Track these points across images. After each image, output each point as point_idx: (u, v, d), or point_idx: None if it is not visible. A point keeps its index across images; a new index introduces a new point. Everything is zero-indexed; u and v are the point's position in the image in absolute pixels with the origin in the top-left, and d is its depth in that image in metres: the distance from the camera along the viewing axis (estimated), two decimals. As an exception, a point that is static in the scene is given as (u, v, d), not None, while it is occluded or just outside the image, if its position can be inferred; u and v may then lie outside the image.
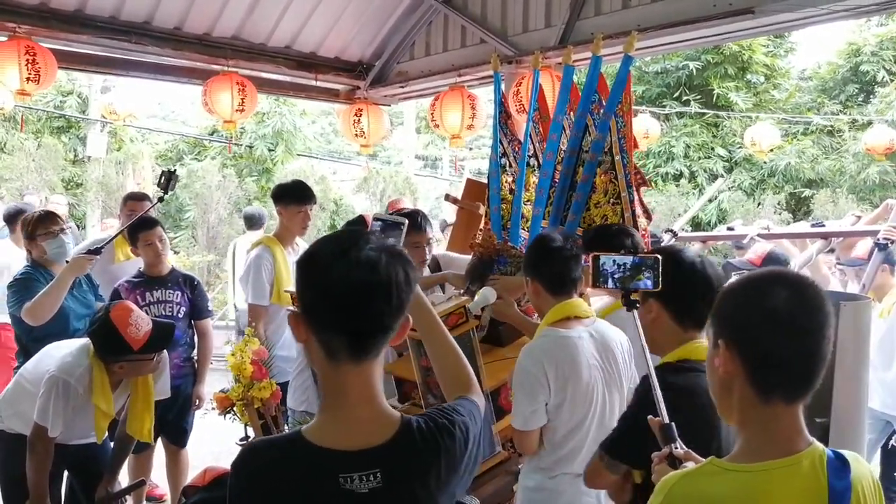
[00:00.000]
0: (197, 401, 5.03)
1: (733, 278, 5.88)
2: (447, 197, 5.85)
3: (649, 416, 2.23)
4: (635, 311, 2.47)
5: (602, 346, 3.02)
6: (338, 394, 1.68)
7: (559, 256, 3.05)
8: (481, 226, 4.72)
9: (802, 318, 1.59)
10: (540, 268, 3.09)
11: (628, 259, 2.44)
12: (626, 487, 2.47)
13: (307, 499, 1.61)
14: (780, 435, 1.61)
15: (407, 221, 2.38)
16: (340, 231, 1.87)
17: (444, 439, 1.72)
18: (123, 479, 4.48)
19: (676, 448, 2.08)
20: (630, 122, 4.06)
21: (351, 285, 1.61)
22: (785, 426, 1.62)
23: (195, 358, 5.09)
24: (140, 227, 4.79)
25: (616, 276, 2.42)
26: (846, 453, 1.63)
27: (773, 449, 1.59)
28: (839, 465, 1.59)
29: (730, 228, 6.82)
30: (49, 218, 4.63)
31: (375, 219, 2.51)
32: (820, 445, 1.62)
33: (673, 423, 2.17)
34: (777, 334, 1.59)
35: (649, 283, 2.47)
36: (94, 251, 4.54)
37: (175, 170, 4.92)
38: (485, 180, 4.71)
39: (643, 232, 3.97)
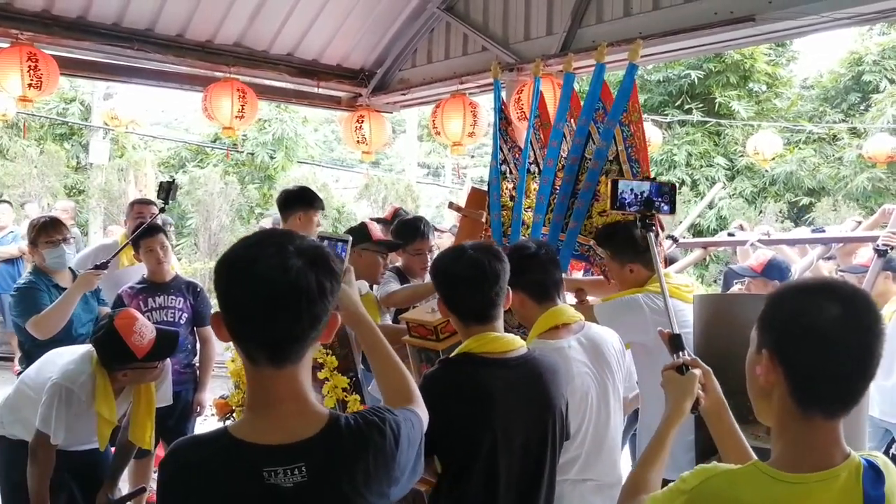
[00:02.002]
0: (198, 407, 5.03)
1: (736, 286, 5.85)
2: (451, 205, 5.85)
3: (659, 329, 2.35)
4: (651, 234, 2.50)
5: (593, 352, 2.98)
6: (262, 393, 1.65)
7: (536, 263, 3.01)
8: (483, 233, 4.72)
9: (852, 338, 1.56)
10: (519, 277, 2.99)
11: (645, 186, 2.48)
12: (429, 472, 2.49)
13: (232, 494, 1.57)
14: (819, 448, 1.59)
15: (351, 238, 2.34)
16: (260, 233, 1.75)
17: (373, 435, 1.68)
18: (124, 485, 4.47)
19: (684, 356, 2.19)
20: (640, 132, 4.04)
21: (258, 296, 1.57)
22: (823, 439, 1.60)
23: (196, 364, 5.09)
24: (142, 233, 4.80)
25: (633, 203, 2.46)
26: (879, 461, 1.62)
27: (811, 462, 1.58)
28: (874, 475, 1.58)
29: (730, 234, 6.81)
30: (53, 226, 4.62)
31: (319, 237, 2.45)
32: (857, 456, 1.60)
33: (681, 334, 2.30)
34: (824, 352, 1.56)
35: (666, 208, 2.51)
36: (101, 266, 4.53)
37: (174, 179, 4.93)
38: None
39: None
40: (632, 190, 2.48)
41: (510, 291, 2.59)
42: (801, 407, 1.60)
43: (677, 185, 16.67)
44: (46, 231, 4.56)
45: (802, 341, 1.58)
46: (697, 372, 2.12)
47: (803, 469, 1.57)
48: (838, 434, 1.61)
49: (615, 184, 2.47)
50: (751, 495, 1.57)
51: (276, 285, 1.56)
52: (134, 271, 5.13)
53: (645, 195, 2.51)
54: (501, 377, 2.46)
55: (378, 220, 5.94)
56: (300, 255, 1.60)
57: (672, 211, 2.46)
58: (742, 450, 2.01)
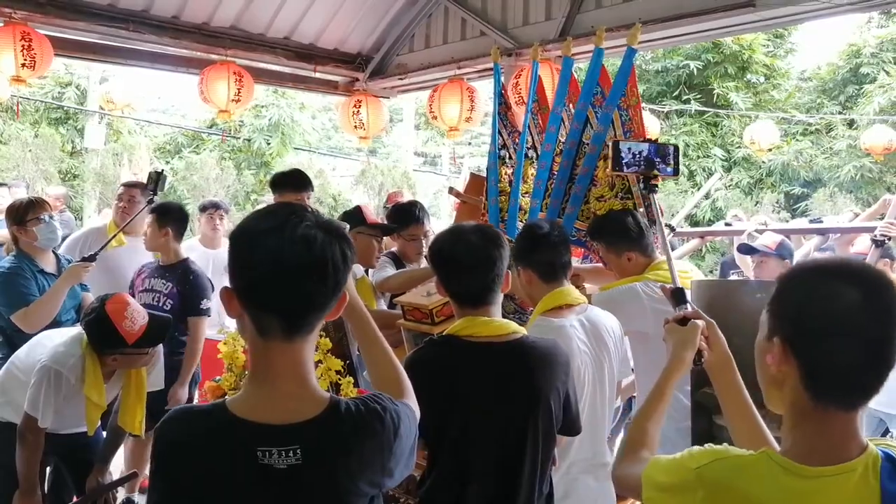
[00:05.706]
0: (170, 402, 4.69)
1: (733, 276, 5.78)
2: (450, 190, 5.82)
3: (661, 285, 2.38)
4: (654, 196, 2.47)
5: (593, 334, 3.01)
6: (265, 368, 1.63)
7: (547, 243, 3.04)
8: (480, 219, 4.69)
9: (873, 327, 1.42)
10: (530, 256, 3.08)
11: (643, 146, 2.45)
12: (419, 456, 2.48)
13: (223, 470, 1.56)
14: (834, 442, 1.48)
15: (348, 226, 2.32)
16: (275, 205, 1.76)
17: (373, 423, 1.65)
18: (117, 468, 4.43)
19: (687, 308, 2.19)
20: (639, 116, 4.01)
21: (284, 264, 1.56)
22: (840, 432, 1.48)
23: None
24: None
25: (632, 164, 2.44)
26: None
27: (826, 455, 1.47)
28: (891, 468, 1.46)
29: (727, 224, 6.79)
30: (39, 204, 4.54)
31: None
32: (874, 448, 1.49)
33: (684, 288, 2.31)
34: (842, 343, 1.43)
35: (669, 170, 2.47)
36: (90, 258, 4.47)
37: (163, 170, 4.90)
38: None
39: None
40: (629, 149, 2.45)
41: (508, 275, 2.56)
42: (816, 400, 1.48)
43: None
44: (34, 208, 4.47)
45: (818, 330, 1.46)
46: (700, 323, 2.06)
47: (817, 462, 1.47)
48: (856, 426, 1.49)
49: (616, 145, 2.44)
50: (760, 487, 1.47)
51: (304, 253, 1.57)
52: (123, 252, 5.06)
53: (644, 155, 2.48)
54: (480, 362, 2.43)
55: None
56: (319, 225, 1.61)
57: (675, 173, 2.45)
58: (746, 411, 1.91)
